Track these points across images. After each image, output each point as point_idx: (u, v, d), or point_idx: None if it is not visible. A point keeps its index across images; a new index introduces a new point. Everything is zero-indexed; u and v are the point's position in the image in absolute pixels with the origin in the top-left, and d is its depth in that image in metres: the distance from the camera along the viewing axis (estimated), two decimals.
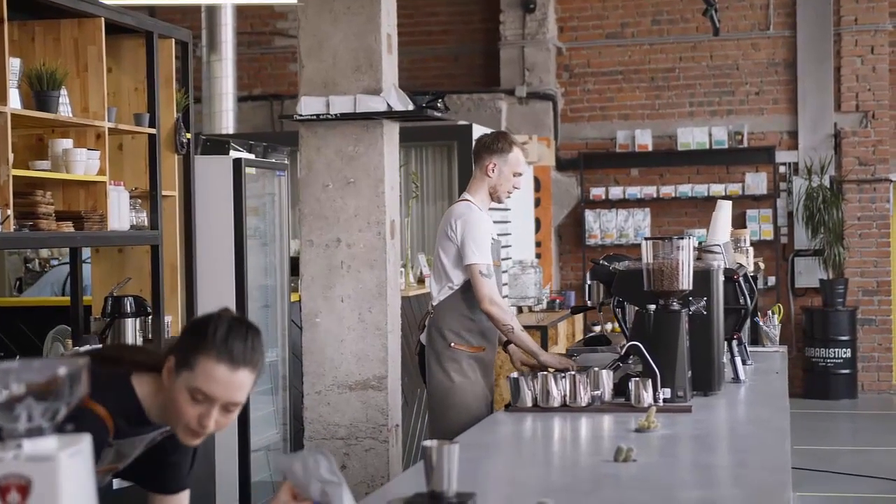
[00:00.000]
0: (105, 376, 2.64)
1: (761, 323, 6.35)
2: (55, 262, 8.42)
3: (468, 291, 5.15)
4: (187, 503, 2.96)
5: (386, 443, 5.70)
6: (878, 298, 12.53)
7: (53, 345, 5.65)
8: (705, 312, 4.49)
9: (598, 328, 12.30)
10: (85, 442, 1.78)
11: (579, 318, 11.42)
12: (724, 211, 5.53)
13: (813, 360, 12.25)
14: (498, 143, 5.27)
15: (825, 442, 10.15)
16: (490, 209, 5.29)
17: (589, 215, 12.87)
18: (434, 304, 5.26)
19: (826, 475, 8.63)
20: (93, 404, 2.58)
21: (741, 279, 5.02)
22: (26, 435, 1.73)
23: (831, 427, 11.09)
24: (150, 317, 5.52)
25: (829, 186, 12.29)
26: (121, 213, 5.22)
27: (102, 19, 5.12)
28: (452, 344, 5.16)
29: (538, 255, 12.16)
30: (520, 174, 5.28)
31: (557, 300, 11.37)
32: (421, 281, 8.02)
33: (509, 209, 10.38)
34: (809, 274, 12.51)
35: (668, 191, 12.70)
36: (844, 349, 12.17)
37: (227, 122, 10.37)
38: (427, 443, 2.71)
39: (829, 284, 12.23)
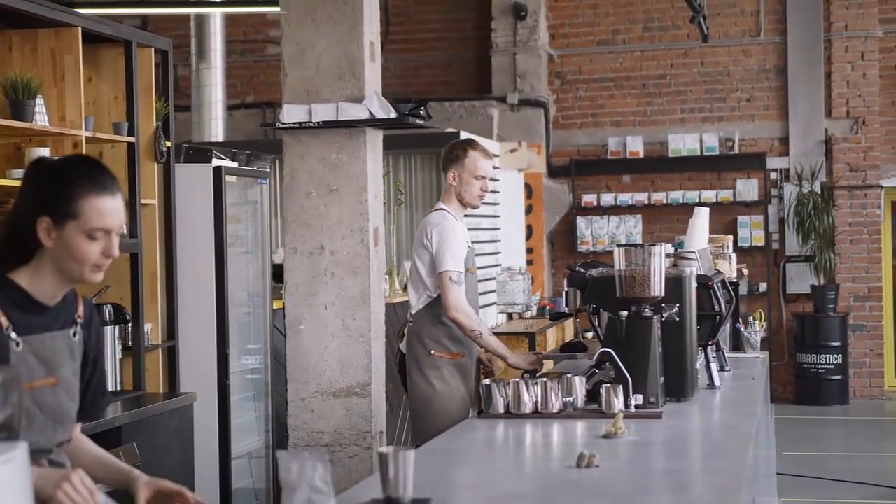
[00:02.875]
0: None
1: (742, 329, 6.36)
2: None
3: None
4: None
5: (370, 449, 5.71)
6: (870, 304, 12.54)
7: None
8: (678, 319, 4.50)
9: (590, 335, 12.31)
10: (20, 449, 1.80)
11: (569, 324, 11.43)
12: (701, 218, 5.55)
13: (804, 365, 12.25)
14: (453, 151, 5.42)
15: (816, 448, 10.16)
16: (476, 216, 5.39)
17: (581, 222, 12.88)
18: (413, 312, 5.37)
19: (815, 481, 8.64)
20: None
21: (717, 285, 5.03)
22: None
23: (822, 433, 11.10)
24: (129, 325, 5.54)
25: (819, 193, 12.31)
26: None
27: (79, 29, 5.15)
28: (432, 351, 5.26)
29: (530, 262, 12.19)
30: (482, 177, 5.37)
31: (548, 307, 11.37)
32: (406, 288, 8.03)
33: (499, 216, 10.41)
34: (801, 280, 12.52)
35: (659, 197, 12.72)
36: (836, 355, 12.17)
37: (216, 130, 10.40)
38: (382, 449, 2.73)
39: (821, 290, 12.24)
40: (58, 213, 2.67)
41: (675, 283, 4.51)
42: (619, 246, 4.43)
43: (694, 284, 4.66)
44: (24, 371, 2.63)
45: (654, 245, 4.40)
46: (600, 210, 12.88)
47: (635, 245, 4.43)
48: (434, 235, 5.23)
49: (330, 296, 5.85)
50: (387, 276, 7.75)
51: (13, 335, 2.65)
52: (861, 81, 12.50)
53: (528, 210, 12.31)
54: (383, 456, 2.72)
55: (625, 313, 4.38)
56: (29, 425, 2.62)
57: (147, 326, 5.70)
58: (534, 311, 10.43)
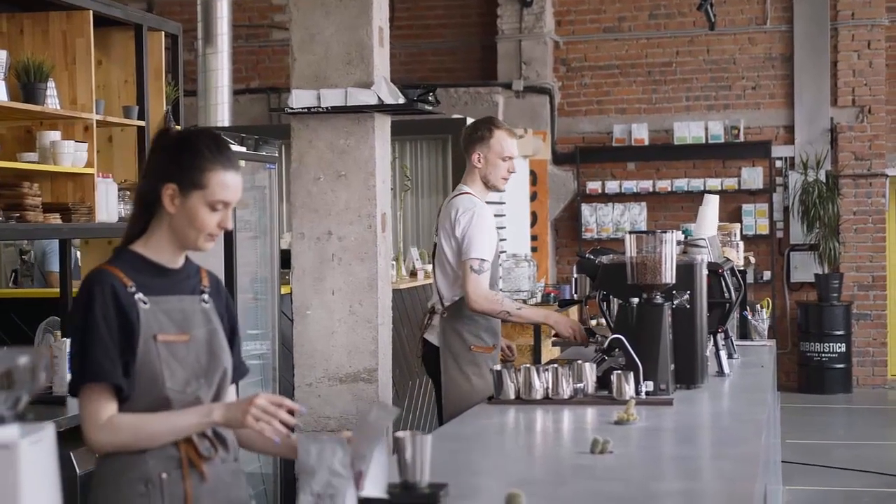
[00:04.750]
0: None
1: (750, 317, 6.36)
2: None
3: None
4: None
5: None
6: (874, 293, 12.55)
7: (45, 336, 5.67)
8: (688, 306, 4.49)
9: (594, 322, 12.32)
10: (48, 430, 1.80)
11: (574, 311, 11.44)
12: (711, 205, 5.55)
13: (808, 354, 12.27)
14: (478, 131, 5.20)
15: (819, 436, 10.17)
16: (487, 201, 5.24)
17: (585, 209, 12.89)
18: (446, 303, 5.13)
19: (819, 469, 8.66)
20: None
21: (726, 273, 5.03)
22: None
23: (825, 421, 11.12)
24: None
25: (824, 181, 12.30)
26: (109, 205, 5.24)
27: (91, 12, 5.14)
28: (472, 347, 5.07)
29: (534, 249, 12.19)
30: (509, 158, 5.16)
31: (553, 294, 11.38)
32: (413, 274, 8.04)
33: (504, 203, 10.41)
34: (805, 268, 12.53)
35: (664, 185, 12.71)
36: (839, 344, 12.19)
37: (222, 114, 10.37)
38: (400, 434, 2.73)
39: (825, 279, 12.24)
40: (185, 181, 2.78)
41: (685, 271, 4.50)
42: (630, 233, 4.43)
43: (705, 272, 4.65)
44: (155, 325, 2.77)
45: (665, 232, 4.39)
46: (605, 197, 12.87)
47: (646, 232, 4.42)
48: (464, 221, 5.03)
49: (337, 281, 5.85)
50: (393, 263, 7.75)
51: (139, 295, 2.78)
52: (867, 70, 12.49)
53: (533, 197, 12.30)
54: (400, 440, 2.71)
55: (636, 300, 4.38)
56: (171, 377, 2.78)
57: None
58: (538, 297, 10.44)
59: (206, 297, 2.92)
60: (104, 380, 2.72)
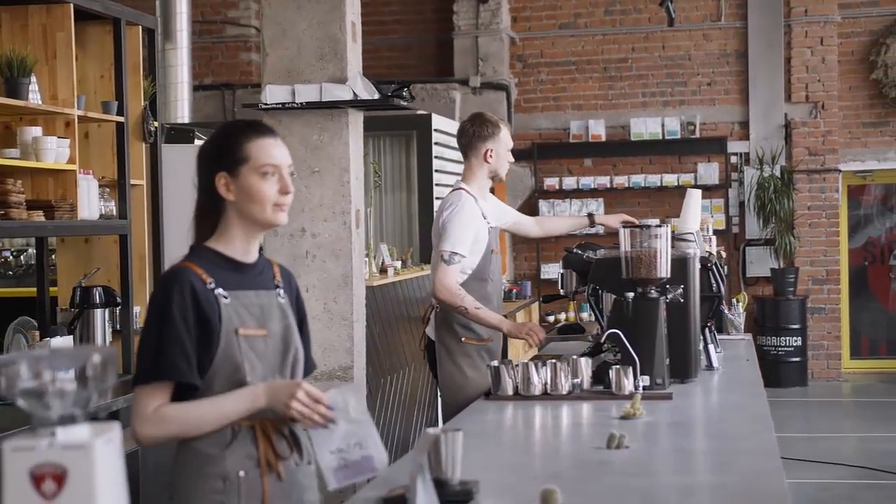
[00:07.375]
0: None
1: (726, 311, 6.40)
2: (7, 253, 8.30)
3: (473, 283, 5.07)
4: None
5: None
6: (828, 287, 12.69)
7: (15, 337, 5.56)
8: (682, 300, 4.50)
9: (551, 318, 12.36)
10: (116, 430, 1.76)
11: (535, 307, 11.48)
12: (695, 199, 5.57)
13: (764, 348, 12.36)
14: (487, 128, 5.24)
15: (777, 429, 10.21)
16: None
17: (543, 205, 12.90)
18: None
19: (784, 462, 8.73)
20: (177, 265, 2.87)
21: (714, 267, 5.05)
22: (59, 423, 1.71)
23: (783, 414, 11.19)
24: (118, 307, 5.45)
25: (779, 176, 12.41)
26: (90, 202, 5.15)
27: (71, 5, 5.04)
28: (463, 339, 5.11)
29: None
30: (511, 147, 5.35)
31: (514, 290, 11.41)
32: (383, 271, 7.99)
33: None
34: (761, 263, 12.64)
35: (621, 181, 12.76)
36: (795, 337, 12.31)
37: (182, 111, 10.26)
38: (431, 430, 2.70)
39: (780, 273, 12.36)
40: (230, 163, 2.83)
41: (679, 265, 4.51)
42: (624, 227, 4.42)
43: (697, 265, 4.66)
44: (236, 319, 2.79)
45: (659, 226, 4.39)
46: (562, 193, 12.90)
47: (641, 226, 4.41)
48: (445, 213, 5.07)
49: (311, 279, 5.83)
50: (365, 260, 7.71)
51: (220, 290, 2.80)
52: (820, 66, 12.62)
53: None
54: (433, 437, 2.69)
55: (631, 294, 4.37)
56: (252, 370, 2.79)
57: (136, 309, 5.61)
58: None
59: (281, 291, 2.93)
60: (179, 379, 2.74)
